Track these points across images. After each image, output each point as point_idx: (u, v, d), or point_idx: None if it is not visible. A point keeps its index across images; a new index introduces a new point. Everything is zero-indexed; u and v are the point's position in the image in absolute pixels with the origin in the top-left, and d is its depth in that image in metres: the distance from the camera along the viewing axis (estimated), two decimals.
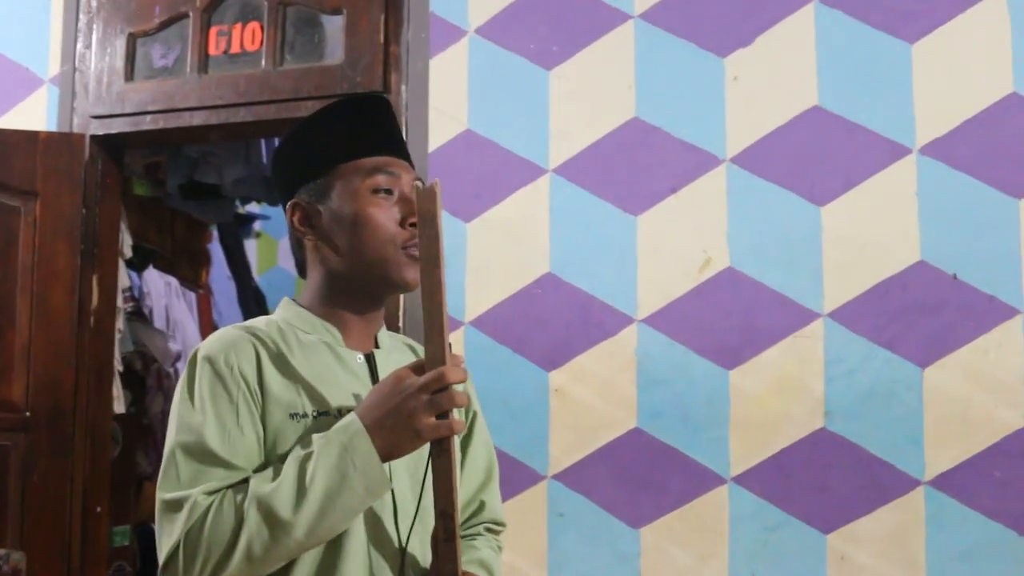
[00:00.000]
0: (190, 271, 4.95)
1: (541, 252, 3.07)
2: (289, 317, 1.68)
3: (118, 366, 3.82)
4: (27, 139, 3.49)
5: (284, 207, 1.71)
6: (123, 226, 3.87)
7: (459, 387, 1.50)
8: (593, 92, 3.08)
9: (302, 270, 1.75)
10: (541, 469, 2.99)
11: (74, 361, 3.44)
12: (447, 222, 3.15)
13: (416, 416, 1.42)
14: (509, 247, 3.11)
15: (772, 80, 2.93)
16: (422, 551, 1.59)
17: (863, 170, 2.84)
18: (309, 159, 1.69)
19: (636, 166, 3.02)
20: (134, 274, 4.52)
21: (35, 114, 3.70)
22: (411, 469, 1.58)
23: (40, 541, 3.30)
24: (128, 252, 3.99)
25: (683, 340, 2.92)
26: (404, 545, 1.57)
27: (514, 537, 2.93)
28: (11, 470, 3.33)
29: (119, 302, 3.82)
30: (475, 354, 3.08)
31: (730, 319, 2.89)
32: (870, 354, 2.77)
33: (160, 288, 4.74)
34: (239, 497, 1.44)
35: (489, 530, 1.87)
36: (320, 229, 1.66)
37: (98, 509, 3.50)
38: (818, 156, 2.88)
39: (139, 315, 4.35)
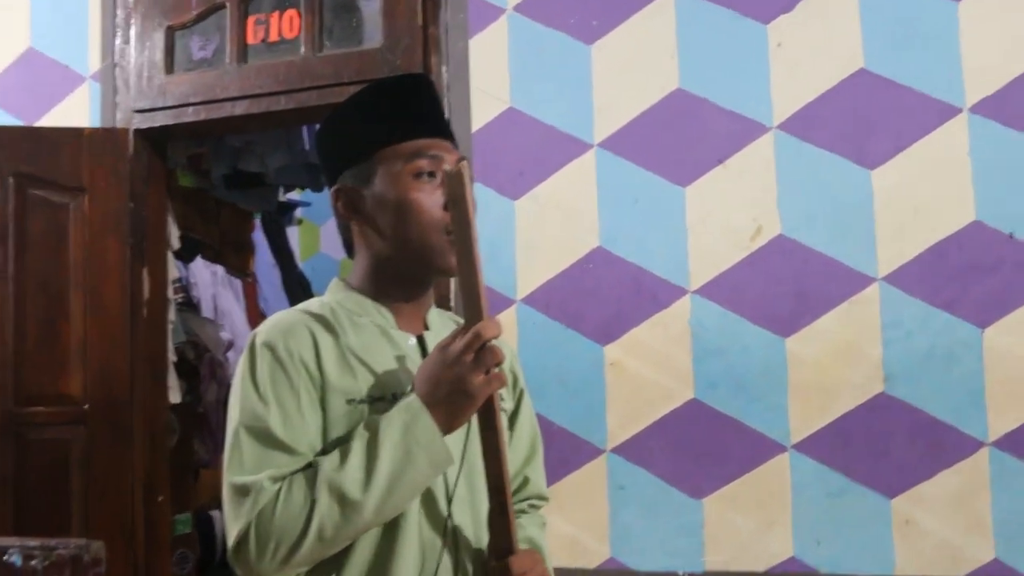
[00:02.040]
0: (236, 260, 4.98)
1: (590, 227, 3.07)
2: (342, 300, 1.68)
3: (171, 356, 3.86)
4: (72, 136, 3.52)
5: (330, 192, 1.73)
6: (170, 218, 3.90)
7: (505, 364, 1.54)
8: (635, 64, 3.07)
9: (350, 251, 1.75)
10: (600, 443, 3.00)
11: (128, 353, 3.48)
12: (495, 200, 3.16)
13: (465, 379, 1.45)
14: (558, 223, 3.10)
15: (816, 45, 2.91)
16: (473, 530, 1.61)
17: (913, 132, 2.81)
18: (350, 144, 1.69)
19: (682, 137, 3.01)
20: (182, 265, 4.56)
21: (78, 111, 3.73)
22: (461, 451, 1.58)
23: (104, 531, 3.35)
24: (176, 243, 4.02)
25: (737, 309, 2.91)
26: (454, 524, 1.59)
27: (575, 511, 2.96)
28: (73, 462, 3.38)
29: (169, 293, 3.86)
30: (528, 331, 3.09)
31: (784, 286, 2.88)
32: (928, 316, 2.76)
33: (207, 278, 4.78)
34: (308, 481, 1.47)
35: (533, 506, 1.89)
36: (365, 213, 1.66)
37: (160, 497, 3.55)
38: (866, 119, 2.85)
39: (189, 305, 4.39)
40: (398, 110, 1.68)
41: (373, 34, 3.40)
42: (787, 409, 2.85)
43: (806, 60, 2.92)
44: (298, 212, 5.74)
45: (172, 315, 3.92)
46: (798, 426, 2.84)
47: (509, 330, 3.10)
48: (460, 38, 3.26)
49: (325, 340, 1.59)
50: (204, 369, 4.29)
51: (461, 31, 3.26)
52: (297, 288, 5.40)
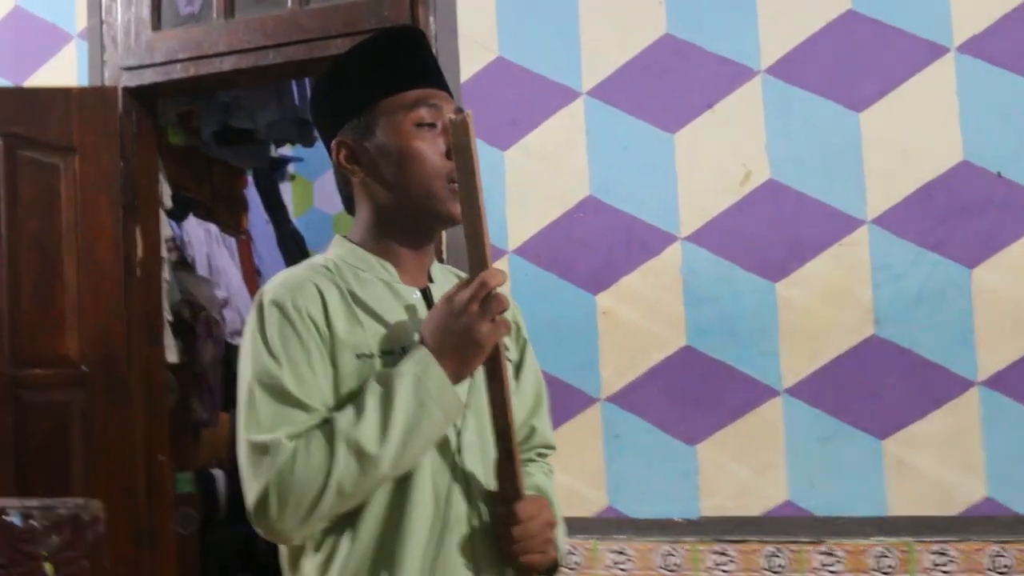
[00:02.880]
0: (230, 217, 4.98)
1: (580, 176, 3.06)
2: (344, 255, 1.70)
3: (168, 316, 3.87)
4: (61, 95, 3.51)
5: (328, 146, 1.73)
6: (161, 176, 3.89)
7: (508, 314, 1.56)
8: (623, 11, 3.05)
9: (349, 207, 1.77)
10: (594, 392, 3.01)
11: (124, 313, 3.50)
12: (484, 151, 3.14)
13: (472, 327, 1.48)
14: (548, 173, 3.10)
15: None
16: (485, 478, 1.62)
17: (901, 73, 2.79)
18: (350, 97, 1.69)
19: (670, 83, 2.99)
20: (175, 224, 4.56)
21: (66, 70, 3.72)
22: (470, 401, 1.60)
23: (107, 492, 3.37)
24: (168, 202, 4.02)
25: (728, 255, 2.91)
26: (466, 472, 1.60)
27: (571, 460, 2.98)
28: (73, 424, 3.41)
29: (163, 252, 3.86)
30: (521, 282, 3.09)
31: (774, 231, 2.87)
32: (917, 258, 2.76)
33: (200, 236, 4.78)
34: (325, 438, 1.48)
35: (541, 454, 1.92)
36: (367, 166, 1.67)
37: (160, 457, 3.58)
38: (854, 61, 2.83)
39: (184, 264, 4.39)
40: (397, 61, 1.69)
41: None
42: (779, 354, 2.86)
43: (794, 2, 2.89)
44: (291, 168, 5.72)
45: (167, 274, 3.93)
46: (790, 370, 2.85)
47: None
48: None
49: (332, 296, 1.60)
50: (200, 328, 4.30)
51: None
52: (292, 244, 5.39)
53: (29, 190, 3.44)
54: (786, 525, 2.82)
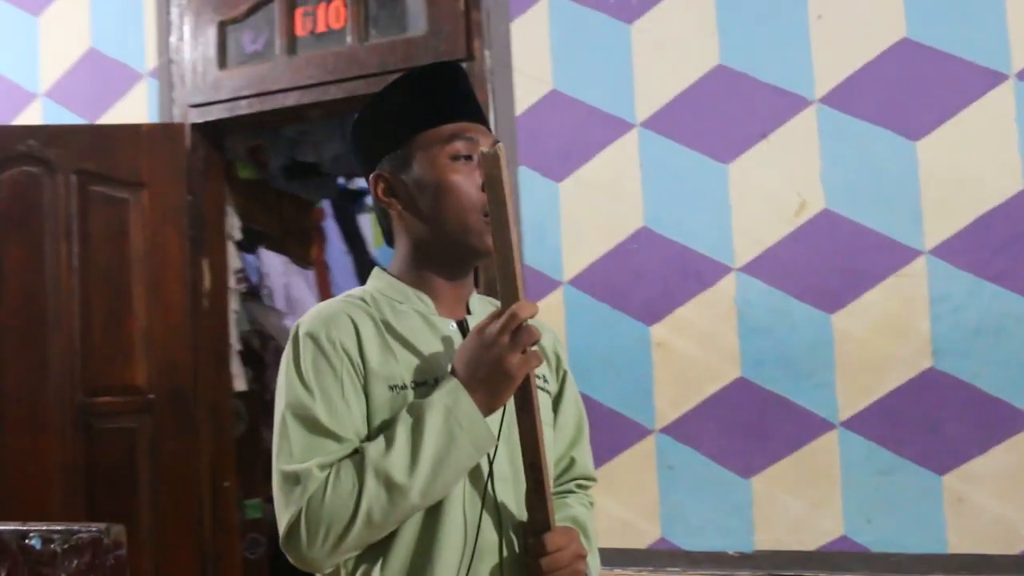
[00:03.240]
0: (299, 249, 5.06)
1: (634, 207, 3.06)
2: (382, 287, 1.72)
3: (236, 345, 3.95)
4: (130, 132, 3.62)
5: (367, 179, 1.75)
6: (230, 209, 3.98)
7: (546, 343, 1.66)
8: (676, 42, 3.05)
9: (389, 239, 1.79)
10: (648, 423, 3.00)
11: (191, 343, 3.58)
12: (539, 184, 3.17)
13: (503, 359, 1.48)
14: (602, 204, 3.10)
15: (857, 15, 2.85)
16: (517, 508, 1.63)
17: (958, 101, 2.74)
18: (388, 130, 1.72)
19: (724, 114, 2.98)
20: (250, 255, 4.65)
21: (138, 107, 3.83)
22: (505, 433, 1.60)
23: (173, 517, 3.46)
24: (238, 234, 4.11)
25: (782, 286, 2.88)
26: (498, 502, 1.61)
27: (625, 492, 2.97)
28: (140, 451, 3.49)
29: (232, 283, 3.94)
30: (575, 313, 3.10)
31: (829, 262, 2.84)
32: (976, 289, 2.70)
33: (279, 267, 4.87)
34: (355, 467, 1.50)
35: (581, 486, 1.90)
36: (403, 199, 1.69)
37: (226, 484, 3.64)
38: (910, 90, 2.79)
39: (254, 294, 4.48)
40: (434, 96, 1.71)
41: (417, 21, 3.42)
42: (835, 386, 2.82)
43: (847, 31, 2.86)
44: (369, 200, 5.79)
45: (236, 304, 4.01)
46: (846, 403, 2.80)
47: (557, 312, 3.12)
48: (502, 22, 3.26)
49: (367, 328, 1.62)
50: (269, 357, 4.38)
51: (503, 15, 3.26)
52: (369, 274, 5.44)
53: (100, 224, 3.54)
54: (841, 560, 2.77)
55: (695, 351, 2.96)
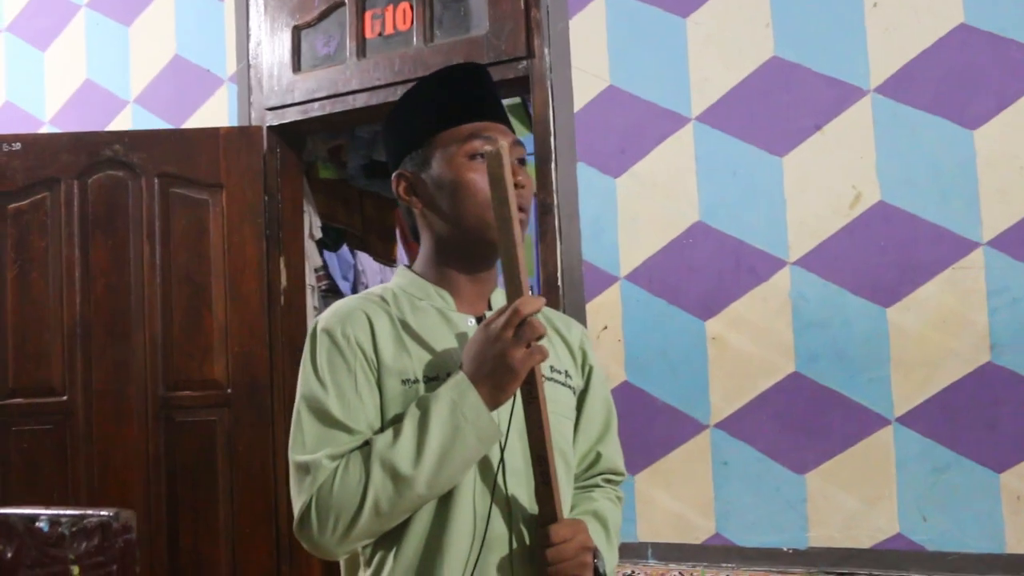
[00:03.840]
0: (382, 247, 5.16)
1: (690, 201, 3.05)
2: (403, 284, 1.78)
3: None
4: (209, 136, 3.75)
5: (392, 178, 1.81)
6: (310, 209, 4.09)
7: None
8: (730, 35, 3.02)
9: (415, 236, 1.84)
10: (703, 418, 2.99)
11: (267, 339, 3.68)
12: (597, 179, 3.18)
13: (507, 353, 1.52)
14: (658, 199, 3.10)
15: (913, 2, 2.79)
16: (529, 501, 1.65)
17: (1016, 87, 2.66)
18: (409, 131, 1.77)
19: (778, 106, 2.95)
20: (345, 254, 4.77)
21: (219, 111, 3.97)
22: (519, 428, 1.64)
23: (250, 506, 3.58)
24: (318, 233, 4.21)
25: (837, 280, 2.84)
26: (509, 495, 1.64)
27: (680, 487, 2.97)
28: (218, 442, 3.62)
29: (312, 281, 4.05)
30: (631, 307, 3.10)
31: (885, 255, 2.79)
32: None
33: (374, 266, 4.98)
34: (362, 458, 1.55)
35: (609, 480, 1.92)
36: (424, 197, 1.74)
37: None
38: (967, 77, 2.72)
39: (335, 291, 4.58)
40: (452, 96, 1.76)
41: (480, 21, 3.47)
42: (890, 381, 2.76)
43: (903, 19, 2.80)
44: None
45: (316, 301, 4.12)
46: (902, 399, 2.75)
47: (613, 307, 3.13)
48: (560, 20, 3.29)
49: (381, 324, 1.68)
50: None
51: (562, 11, 3.28)
52: None
53: (180, 224, 3.68)
54: (897, 559, 2.72)
55: (750, 346, 2.94)
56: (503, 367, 1.53)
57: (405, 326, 1.69)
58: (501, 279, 1.67)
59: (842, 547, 2.78)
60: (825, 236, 2.86)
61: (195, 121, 4.00)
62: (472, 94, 1.77)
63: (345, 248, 4.85)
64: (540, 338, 1.53)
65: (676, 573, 2.95)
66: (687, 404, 3.01)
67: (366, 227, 4.97)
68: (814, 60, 2.91)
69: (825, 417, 2.83)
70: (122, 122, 4.16)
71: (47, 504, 1.56)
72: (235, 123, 3.89)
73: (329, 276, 4.48)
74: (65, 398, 3.59)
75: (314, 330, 1.69)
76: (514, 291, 1.56)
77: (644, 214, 3.12)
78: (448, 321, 1.73)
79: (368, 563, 1.65)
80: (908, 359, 2.74)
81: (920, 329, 2.73)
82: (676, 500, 2.98)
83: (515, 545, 1.64)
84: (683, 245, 3.05)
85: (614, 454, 1.93)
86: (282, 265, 3.80)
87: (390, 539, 1.62)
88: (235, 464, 3.60)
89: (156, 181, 3.70)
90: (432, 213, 1.74)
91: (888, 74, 2.81)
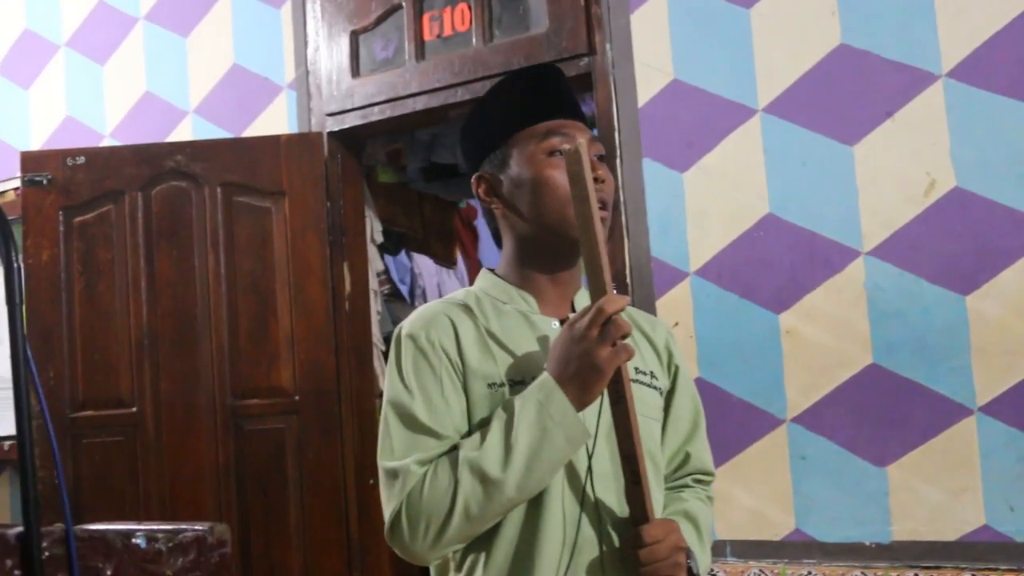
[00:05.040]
0: (442, 249, 5.16)
1: (759, 194, 3.02)
2: (487, 287, 1.79)
3: (380, 345, 4.06)
4: (270, 143, 3.76)
5: (471, 181, 1.82)
6: (371, 213, 4.09)
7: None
8: (795, 24, 2.99)
9: (497, 240, 1.86)
10: (779, 413, 2.95)
11: (333, 344, 3.69)
12: (663, 174, 3.16)
13: (592, 353, 1.51)
14: (727, 192, 3.07)
15: None
16: (618, 503, 1.65)
17: None
18: (487, 133, 1.79)
19: (847, 94, 2.90)
20: (402, 258, 4.78)
21: (279, 119, 3.99)
22: (605, 430, 1.63)
23: (320, 513, 3.58)
24: (379, 237, 4.22)
25: (913, 269, 2.79)
26: (597, 497, 1.63)
27: (758, 483, 2.93)
28: (288, 450, 3.62)
29: (374, 285, 4.06)
30: (703, 302, 3.07)
31: (962, 242, 2.73)
32: None
33: (431, 268, 4.99)
34: (451, 463, 1.55)
35: (698, 480, 1.92)
36: (504, 197, 1.75)
37: (371, 482, 3.75)
38: None
39: (397, 295, 4.60)
40: (530, 96, 1.77)
41: (539, 19, 3.46)
42: (971, 370, 2.71)
43: (974, 2, 2.75)
44: None
45: (379, 305, 4.12)
46: (984, 388, 2.70)
47: (684, 303, 3.10)
48: (622, 15, 3.27)
49: (465, 328, 1.68)
50: None
51: (622, 7, 3.26)
52: None
53: (244, 233, 3.69)
54: (984, 551, 2.66)
55: (825, 338, 2.90)
56: (589, 367, 1.52)
57: (489, 329, 1.69)
58: (584, 280, 1.66)
59: (927, 540, 2.74)
60: (899, 225, 2.82)
61: (255, 129, 4.02)
62: (548, 92, 1.78)
63: (402, 252, 4.87)
64: (625, 336, 1.52)
65: (756, 570, 2.92)
66: (762, 399, 2.97)
67: (426, 230, 4.98)
68: (883, 46, 2.87)
69: (905, 408, 2.78)
70: (182, 132, 4.19)
71: (120, 516, 1.56)
72: (295, 130, 3.91)
73: (391, 280, 4.49)
74: (134, 409, 3.62)
75: (398, 336, 1.70)
76: (598, 289, 1.55)
77: (713, 208, 3.09)
78: (532, 324, 1.73)
79: (459, 567, 1.66)
80: (989, 347, 2.69)
81: (1001, 316, 2.68)
82: (754, 496, 2.95)
83: (605, 547, 1.63)
84: (754, 238, 3.02)
85: (703, 454, 1.93)
86: (346, 271, 3.81)
87: (481, 543, 1.62)
88: (304, 471, 3.61)
89: (219, 190, 3.72)
90: (513, 213, 1.75)
91: (960, 58, 2.76)
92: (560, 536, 1.60)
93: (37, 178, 3.65)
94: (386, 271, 4.42)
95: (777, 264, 2.98)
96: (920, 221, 2.79)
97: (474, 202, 5.61)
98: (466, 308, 1.72)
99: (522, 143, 1.73)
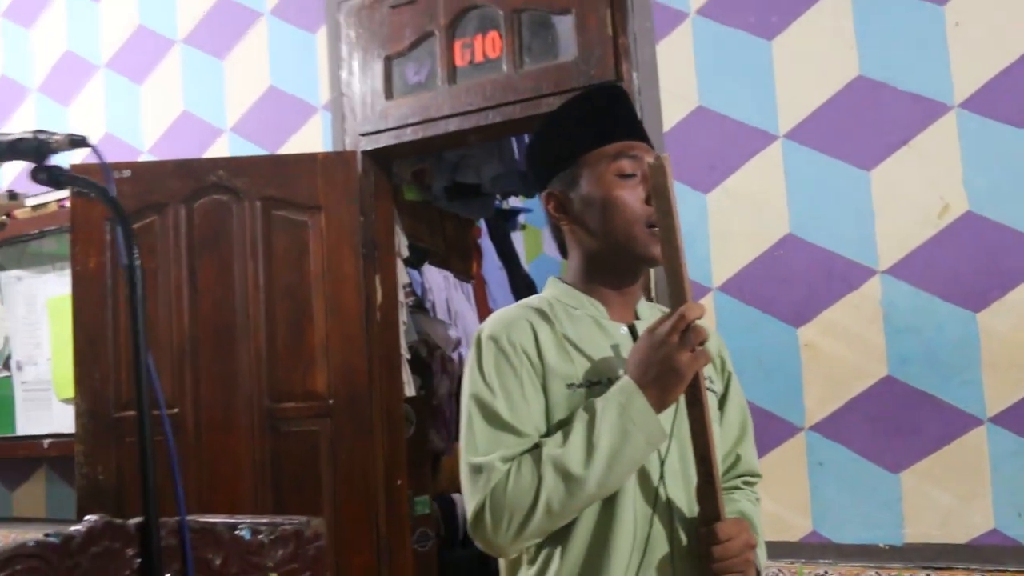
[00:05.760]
0: (462, 264, 5.33)
1: (780, 214, 3.18)
2: (558, 294, 1.89)
3: (405, 354, 4.21)
4: (307, 160, 3.92)
5: (541, 197, 1.92)
6: (398, 229, 4.26)
7: (711, 346, 1.74)
8: (815, 55, 3.16)
9: (563, 252, 1.96)
10: (797, 421, 3.11)
11: (366, 352, 3.84)
12: (687, 195, 3.31)
13: (672, 357, 1.61)
14: (748, 213, 3.23)
15: (995, 20, 2.91)
16: (687, 502, 1.75)
17: None
18: (557, 152, 1.88)
19: (865, 122, 3.07)
20: (414, 272, 4.94)
21: (313, 138, 4.15)
22: (674, 430, 1.73)
23: (352, 512, 3.72)
24: (405, 252, 4.38)
25: (927, 287, 2.95)
26: (668, 496, 1.73)
27: (777, 488, 3.08)
28: (321, 451, 3.77)
29: (401, 297, 4.22)
30: (725, 316, 3.23)
31: (973, 262, 2.90)
32: None
33: (440, 283, 5.15)
34: (534, 461, 1.64)
35: (747, 483, 2.02)
36: (573, 214, 1.85)
37: (398, 482, 3.89)
38: None
39: (420, 307, 4.76)
40: (600, 117, 1.85)
41: (568, 48, 3.62)
42: (982, 383, 2.87)
43: (986, 36, 2.93)
44: (521, 218, 6.09)
45: (405, 316, 4.28)
46: (994, 399, 2.85)
47: (708, 317, 3.25)
48: (648, 44, 3.44)
49: (544, 331, 1.77)
50: (436, 365, 4.64)
51: (648, 38, 3.44)
52: (523, 288, 5.73)
53: (282, 245, 3.85)
54: (993, 553, 2.82)
55: (842, 351, 3.06)
56: (669, 371, 1.61)
57: (565, 333, 1.78)
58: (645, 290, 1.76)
59: (938, 543, 2.89)
60: (914, 246, 2.98)
61: (289, 147, 4.18)
62: (616, 115, 1.86)
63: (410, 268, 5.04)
64: (704, 342, 1.62)
65: (775, 570, 3.07)
66: (782, 408, 3.13)
67: (447, 246, 5.14)
68: (898, 78, 3.04)
69: (919, 418, 2.94)
70: (219, 149, 4.35)
71: (160, 513, 1.70)
72: (328, 148, 4.07)
73: (415, 293, 4.66)
74: (176, 411, 3.75)
75: (479, 337, 1.79)
76: (678, 297, 1.64)
77: (735, 228, 3.25)
78: (603, 329, 1.82)
79: (532, 561, 1.74)
80: (999, 361, 2.86)
81: (1010, 333, 2.85)
82: (773, 500, 3.10)
83: (675, 544, 1.72)
84: (774, 257, 3.18)
85: (752, 456, 2.03)
86: (377, 282, 3.96)
87: (556, 539, 1.70)
88: (338, 472, 3.74)
89: (258, 204, 3.87)
90: (581, 230, 1.85)
91: (972, 90, 2.94)
92: (631, 532, 1.69)
93: (85, 190, 3.80)
94: (410, 284, 4.58)
95: (797, 281, 3.14)
96: (934, 243, 2.96)
97: (481, 222, 5.78)
98: (542, 313, 1.81)
99: (593, 163, 1.82)
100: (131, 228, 1.64)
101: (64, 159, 4.51)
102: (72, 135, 1.78)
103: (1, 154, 1.78)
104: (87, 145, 1.78)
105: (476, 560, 4.89)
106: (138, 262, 1.65)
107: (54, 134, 1.78)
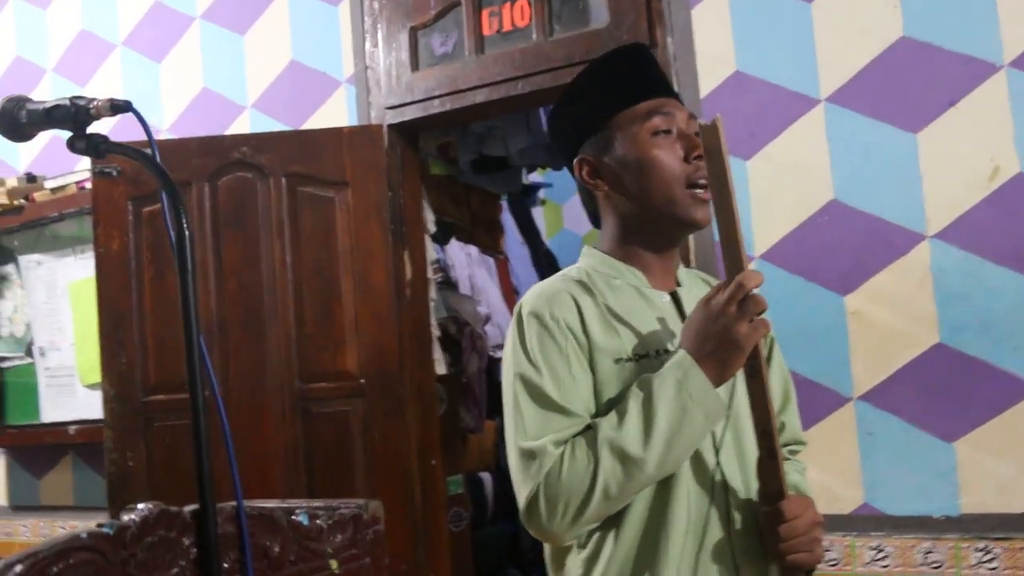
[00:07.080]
0: (488, 239, 5.27)
1: (823, 181, 3.11)
2: (595, 264, 1.81)
3: (435, 332, 4.15)
4: (333, 135, 3.85)
5: (570, 166, 1.84)
6: (425, 204, 4.18)
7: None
8: (857, 17, 3.08)
9: (596, 221, 1.87)
10: (845, 391, 3.04)
11: (396, 330, 3.77)
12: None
13: (731, 328, 1.53)
14: (791, 179, 3.16)
15: None
16: (742, 478, 1.68)
17: None
18: (586, 116, 1.80)
19: (910, 84, 3.00)
20: (439, 248, 4.88)
21: (337, 112, 4.07)
22: (727, 401, 1.67)
23: (386, 492, 3.65)
24: (432, 227, 4.31)
25: (978, 251, 2.88)
26: (723, 473, 1.67)
27: (826, 459, 3.02)
28: (353, 432, 3.70)
29: (429, 273, 4.15)
30: (769, 285, 3.06)
31: None
32: None
33: (462, 259, 5.08)
34: (589, 443, 1.57)
35: (793, 452, 1.96)
36: (608, 179, 1.77)
37: (432, 462, 3.84)
38: None
39: (448, 284, 4.69)
40: (626, 77, 1.78)
41: (599, 14, 3.54)
42: None
43: None
44: (541, 193, 6.03)
45: (433, 293, 4.21)
46: None
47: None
48: (682, 8, 3.35)
49: (586, 304, 1.70)
50: (465, 342, 4.57)
51: (683, 1, 3.35)
52: (544, 264, 5.67)
53: (308, 222, 3.78)
54: None
55: (891, 319, 2.99)
56: (728, 343, 1.53)
57: (608, 305, 1.71)
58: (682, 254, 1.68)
59: (996, 512, 2.83)
60: (964, 209, 2.91)
61: (313, 122, 4.10)
62: (643, 73, 1.79)
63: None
64: (763, 311, 1.55)
65: (826, 544, 3.00)
66: (829, 378, 3.06)
67: (473, 220, 5.08)
68: (944, 38, 2.96)
69: (972, 386, 2.87)
70: (240, 126, 4.28)
71: (191, 498, 1.63)
72: (353, 123, 3.99)
73: (444, 269, 4.59)
74: (205, 393, 3.68)
75: (519, 314, 1.71)
76: (734, 265, 1.56)
77: (777, 194, 3.18)
78: (646, 298, 1.75)
79: (583, 545, 1.67)
80: None
81: None
82: (822, 471, 3.04)
83: (732, 522, 1.66)
84: (818, 223, 3.11)
85: (796, 424, 1.97)
86: (406, 258, 3.89)
87: (608, 522, 1.64)
88: (370, 452, 3.68)
89: (283, 180, 3.79)
90: (617, 194, 1.77)
91: (1022, 49, 2.86)
92: (686, 511, 1.63)
93: (107, 169, 3.70)
94: (438, 260, 4.51)
95: (842, 248, 3.07)
96: (984, 205, 2.88)
97: (503, 202, 5.71)
98: (583, 285, 1.74)
99: (625, 125, 1.75)
100: (179, 195, 1.56)
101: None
102: (113, 99, 1.68)
103: (37, 123, 1.69)
104: (130, 110, 1.67)
105: (507, 538, 4.84)
106: (188, 232, 1.57)
107: (93, 99, 1.68)
